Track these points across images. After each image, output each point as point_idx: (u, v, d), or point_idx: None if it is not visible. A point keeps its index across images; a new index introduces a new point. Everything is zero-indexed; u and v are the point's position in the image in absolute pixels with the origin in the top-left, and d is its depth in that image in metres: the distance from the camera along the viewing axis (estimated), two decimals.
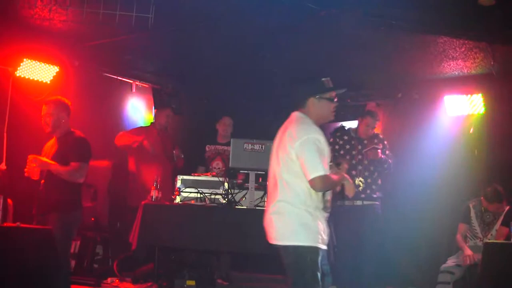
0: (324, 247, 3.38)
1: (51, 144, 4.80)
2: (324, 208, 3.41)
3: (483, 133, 6.37)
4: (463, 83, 6.54)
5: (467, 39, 5.41)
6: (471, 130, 6.49)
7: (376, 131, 6.00)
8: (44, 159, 4.63)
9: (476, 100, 6.43)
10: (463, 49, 5.69)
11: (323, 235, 3.37)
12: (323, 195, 3.40)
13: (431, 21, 5.07)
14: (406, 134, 6.79)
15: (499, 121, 6.20)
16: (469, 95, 6.48)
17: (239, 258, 6.41)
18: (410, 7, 4.73)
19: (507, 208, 5.44)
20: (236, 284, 6.17)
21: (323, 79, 3.50)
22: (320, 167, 3.27)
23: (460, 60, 6.03)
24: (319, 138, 3.37)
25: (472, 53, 5.77)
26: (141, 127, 6.80)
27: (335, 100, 3.50)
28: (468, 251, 5.36)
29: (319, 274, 3.33)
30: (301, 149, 3.32)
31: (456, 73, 6.45)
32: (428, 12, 4.83)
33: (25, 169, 4.57)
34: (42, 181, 4.65)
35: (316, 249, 3.32)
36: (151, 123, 6.71)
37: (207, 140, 6.55)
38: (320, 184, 3.28)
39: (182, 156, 6.42)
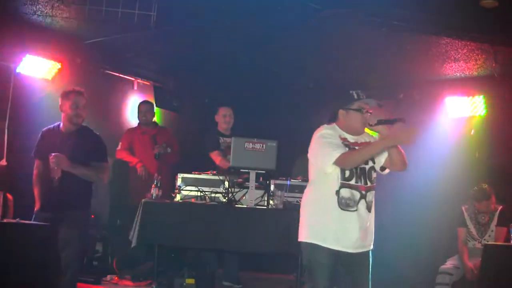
0: (335, 246, 3.43)
1: (59, 137, 4.43)
2: (341, 206, 3.42)
3: (484, 135, 6.36)
4: (464, 84, 6.53)
5: (470, 40, 5.40)
6: (472, 132, 6.48)
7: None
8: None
9: (477, 102, 6.42)
10: (465, 51, 5.68)
11: (331, 234, 3.41)
12: (338, 192, 3.42)
13: (433, 22, 5.06)
14: None
15: (501, 123, 6.19)
16: (470, 97, 6.47)
17: (242, 258, 6.38)
18: (412, 8, 4.73)
19: (499, 208, 5.45)
20: (243, 284, 6.10)
21: (351, 91, 3.58)
22: (331, 153, 3.37)
23: (462, 62, 6.02)
24: (325, 132, 3.47)
25: (474, 54, 5.76)
26: (129, 130, 6.69)
27: (365, 111, 3.54)
28: (469, 264, 5.32)
29: (321, 272, 3.42)
30: (310, 148, 3.53)
31: (458, 74, 6.44)
32: (431, 13, 4.82)
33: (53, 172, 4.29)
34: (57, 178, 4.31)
35: (314, 246, 3.43)
36: (138, 123, 6.69)
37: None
38: (343, 163, 3.38)
39: (169, 150, 6.30)
